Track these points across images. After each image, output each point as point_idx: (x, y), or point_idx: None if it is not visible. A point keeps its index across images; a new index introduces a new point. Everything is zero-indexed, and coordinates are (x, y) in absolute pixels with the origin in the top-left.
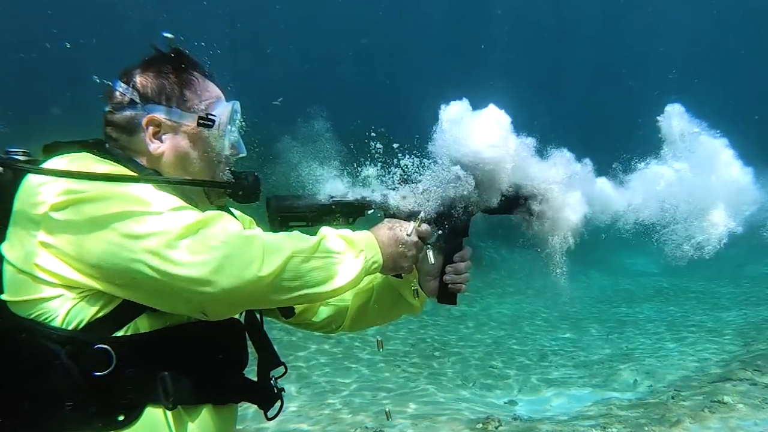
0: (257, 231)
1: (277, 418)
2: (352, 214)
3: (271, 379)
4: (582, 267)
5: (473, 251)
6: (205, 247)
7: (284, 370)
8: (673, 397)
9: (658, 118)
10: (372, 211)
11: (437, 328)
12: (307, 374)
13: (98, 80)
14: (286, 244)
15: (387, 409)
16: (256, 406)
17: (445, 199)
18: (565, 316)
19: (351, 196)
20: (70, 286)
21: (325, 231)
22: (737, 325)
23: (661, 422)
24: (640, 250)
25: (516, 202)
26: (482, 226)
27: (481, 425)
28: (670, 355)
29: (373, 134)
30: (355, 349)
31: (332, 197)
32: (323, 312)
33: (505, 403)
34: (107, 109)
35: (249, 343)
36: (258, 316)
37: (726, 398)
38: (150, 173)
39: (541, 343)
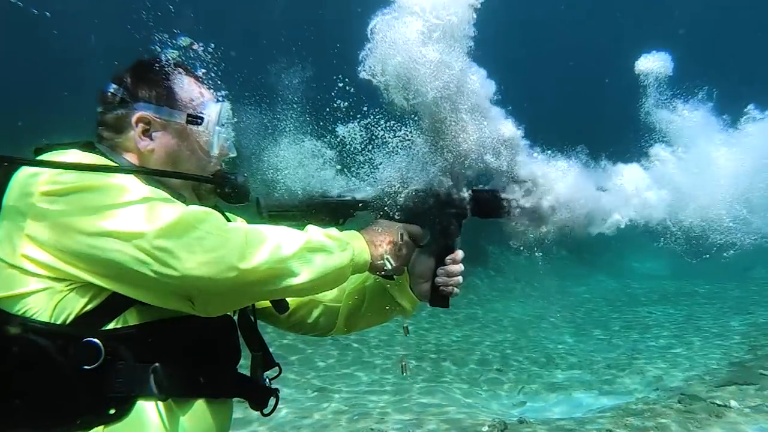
0: (244, 224)
1: (279, 419)
2: (342, 213)
3: (265, 380)
4: (589, 270)
5: (480, 254)
6: (189, 239)
7: (278, 371)
8: (679, 401)
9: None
10: (361, 211)
11: (442, 331)
12: (308, 376)
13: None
14: (272, 237)
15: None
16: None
17: (430, 193)
18: (571, 319)
19: (341, 197)
20: (58, 278)
21: (312, 227)
22: (744, 328)
23: (668, 426)
24: (647, 253)
25: (504, 203)
26: (486, 228)
27: (486, 428)
28: (677, 358)
29: (342, 84)
30: (358, 352)
31: (322, 196)
32: (315, 313)
33: (511, 406)
34: (99, 110)
35: (243, 343)
36: (251, 317)
37: (733, 402)
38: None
39: (547, 346)
